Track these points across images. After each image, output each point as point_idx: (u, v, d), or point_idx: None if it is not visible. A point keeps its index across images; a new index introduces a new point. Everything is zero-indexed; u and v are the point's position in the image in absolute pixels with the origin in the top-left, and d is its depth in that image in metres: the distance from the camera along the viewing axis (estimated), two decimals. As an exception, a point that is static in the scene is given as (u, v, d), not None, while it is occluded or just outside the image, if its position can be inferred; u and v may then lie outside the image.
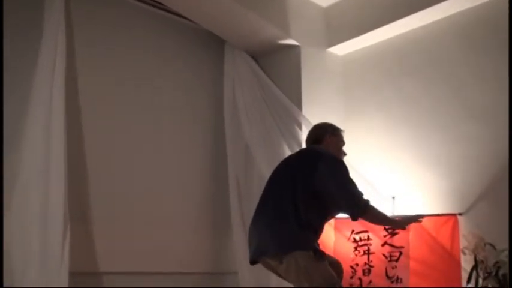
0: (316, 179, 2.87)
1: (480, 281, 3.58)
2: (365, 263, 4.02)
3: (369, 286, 3.96)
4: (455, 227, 3.85)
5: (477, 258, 3.62)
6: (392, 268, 3.93)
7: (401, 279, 3.88)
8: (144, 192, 4.13)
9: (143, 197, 4.12)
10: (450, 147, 4.10)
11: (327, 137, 3.17)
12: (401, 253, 3.93)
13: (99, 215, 3.88)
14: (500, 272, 3.52)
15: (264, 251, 2.91)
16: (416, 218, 3.14)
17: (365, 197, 2.93)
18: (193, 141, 4.52)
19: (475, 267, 3.61)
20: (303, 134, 4.31)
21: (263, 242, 2.91)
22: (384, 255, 3.99)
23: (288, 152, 4.34)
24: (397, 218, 3.21)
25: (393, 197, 4.19)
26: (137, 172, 4.13)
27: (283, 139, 4.41)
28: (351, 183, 2.91)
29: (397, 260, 3.94)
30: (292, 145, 4.38)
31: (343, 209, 2.96)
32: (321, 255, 2.83)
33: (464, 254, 3.71)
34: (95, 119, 3.95)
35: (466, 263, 3.72)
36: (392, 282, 3.91)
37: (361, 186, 3.85)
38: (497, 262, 3.54)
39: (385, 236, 4.01)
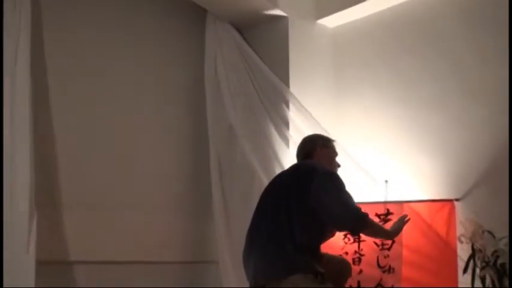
0: (312, 197, 2.84)
1: (477, 270, 3.52)
2: (355, 252, 3.96)
3: (359, 275, 3.90)
4: (451, 213, 3.81)
5: (474, 247, 3.57)
6: (385, 257, 3.88)
7: (393, 269, 3.84)
8: (118, 176, 4.07)
9: (117, 180, 4.06)
10: (447, 128, 4.04)
11: (318, 149, 3.16)
12: (393, 241, 3.87)
13: (68, 200, 3.82)
14: (499, 262, 3.47)
15: (260, 278, 2.87)
16: (403, 220, 3.14)
17: (363, 210, 2.92)
18: (172, 121, 4.44)
19: (472, 256, 3.57)
20: (291, 113, 4.28)
21: (259, 269, 2.87)
22: (375, 243, 3.92)
23: (274, 132, 4.31)
24: (389, 228, 3.20)
25: (386, 181, 4.14)
26: (111, 154, 4.05)
27: (269, 118, 4.34)
28: (349, 198, 2.88)
29: (389, 249, 3.88)
30: (278, 124, 4.31)
31: (343, 224, 2.94)
32: (323, 277, 2.78)
33: (461, 242, 3.66)
34: (64, 100, 3.86)
35: (463, 251, 3.68)
36: (384, 271, 3.85)
37: (352, 170, 4.00)
38: (495, 251, 3.50)
39: (377, 223, 3.93)
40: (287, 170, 3.26)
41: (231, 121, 4.42)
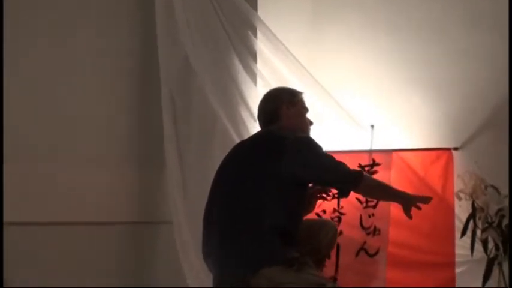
0: (284, 170, 2.69)
1: (478, 232, 3.48)
2: (334, 210, 3.86)
3: (338, 238, 3.57)
4: (448, 164, 3.80)
5: (475, 205, 3.52)
6: (369, 216, 3.80)
7: (379, 230, 3.77)
8: (50, 120, 3.75)
9: (49, 125, 3.74)
10: (446, 63, 3.96)
11: (283, 109, 2.97)
12: (380, 198, 3.82)
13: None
14: (504, 222, 3.42)
15: (225, 277, 2.69)
16: (426, 199, 2.91)
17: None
18: (114, 54, 4.09)
19: (472, 215, 3.52)
20: (258, 42, 4.09)
21: (222, 266, 2.71)
22: (358, 200, 3.82)
23: (238, 65, 4.12)
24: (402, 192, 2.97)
25: (372, 126, 4.02)
26: (41, 95, 3.73)
27: (232, 48, 4.10)
28: (330, 160, 2.75)
29: (374, 207, 3.81)
30: (244, 56, 4.09)
31: (331, 186, 2.90)
32: (301, 263, 2.58)
33: (460, 198, 3.59)
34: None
35: (461, 210, 3.64)
36: (368, 233, 3.78)
37: (331, 113, 3.97)
38: (500, 209, 3.46)
39: (360, 176, 3.82)
40: (249, 139, 3.10)
41: (187, 51, 4.13)
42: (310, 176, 2.73)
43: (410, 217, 2.79)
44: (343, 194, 2.83)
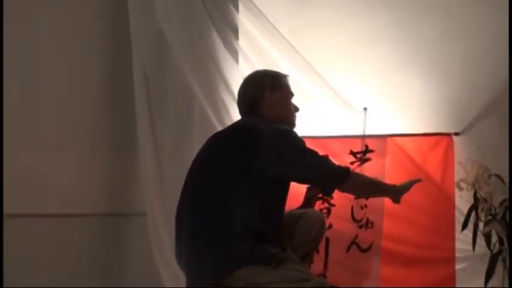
0: (262, 170, 2.64)
1: (480, 225, 3.41)
2: (323, 201, 3.76)
3: (328, 232, 3.62)
4: (448, 151, 3.76)
5: (478, 195, 3.46)
6: (361, 208, 3.73)
7: (372, 223, 3.71)
8: (15, 105, 3.71)
9: (14, 110, 3.68)
10: (448, 40, 3.89)
11: (266, 96, 2.90)
12: (373, 188, 3.77)
13: None
14: (509, 214, 3.35)
15: (201, 282, 2.63)
16: (415, 180, 3.01)
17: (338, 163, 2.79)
18: (83, 35, 4.09)
19: (474, 207, 3.46)
20: (240, 16, 4.05)
21: (196, 269, 2.65)
22: None
23: (218, 42, 4.07)
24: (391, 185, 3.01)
25: (365, 109, 3.94)
26: (6, 79, 3.63)
27: (211, 23, 4.05)
28: (312, 155, 2.71)
29: (367, 197, 3.69)
30: (224, 31, 4.04)
31: (313, 184, 2.89)
32: (279, 259, 2.53)
33: (461, 188, 3.53)
34: None
35: (462, 201, 3.58)
36: (360, 227, 3.72)
37: (320, 94, 3.91)
38: (505, 200, 3.38)
39: (351, 163, 3.74)
40: (226, 130, 3.05)
41: (162, 26, 4.08)
42: (290, 173, 2.68)
43: (398, 203, 2.91)
44: (326, 192, 2.83)
